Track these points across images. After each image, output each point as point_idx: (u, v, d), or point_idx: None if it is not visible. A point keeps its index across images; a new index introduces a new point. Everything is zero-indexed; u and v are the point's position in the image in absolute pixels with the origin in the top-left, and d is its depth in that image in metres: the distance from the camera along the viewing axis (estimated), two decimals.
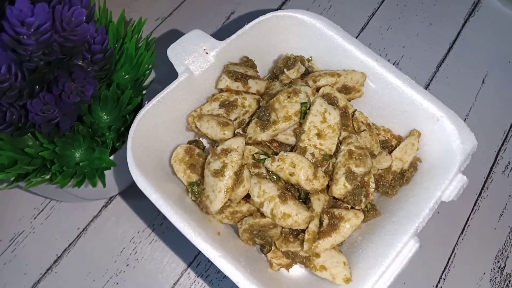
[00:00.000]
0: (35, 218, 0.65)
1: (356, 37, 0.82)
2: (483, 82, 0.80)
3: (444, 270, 0.65)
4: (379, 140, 0.48)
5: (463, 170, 0.44)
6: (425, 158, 0.47)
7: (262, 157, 0.43)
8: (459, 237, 0.68)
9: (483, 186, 0.72)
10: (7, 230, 0.64)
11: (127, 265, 0.63)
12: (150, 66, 0.51)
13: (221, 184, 0.41)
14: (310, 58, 0.52)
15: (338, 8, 0.85)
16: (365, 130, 0.45)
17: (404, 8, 0.86)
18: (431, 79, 0.79)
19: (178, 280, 0.62)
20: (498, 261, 0.66)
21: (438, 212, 0.69)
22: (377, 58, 0.47)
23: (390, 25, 0.84)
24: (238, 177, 0.41)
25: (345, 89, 0.48)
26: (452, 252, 0.66)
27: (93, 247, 0.64)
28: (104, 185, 0.48)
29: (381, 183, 0.45)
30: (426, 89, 0.78)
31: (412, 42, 0.83)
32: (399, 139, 0.48)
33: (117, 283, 0.62)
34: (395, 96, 0.47)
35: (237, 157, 0.41)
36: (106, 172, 0.51)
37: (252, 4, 0.85)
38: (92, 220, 0.66)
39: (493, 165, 0.73)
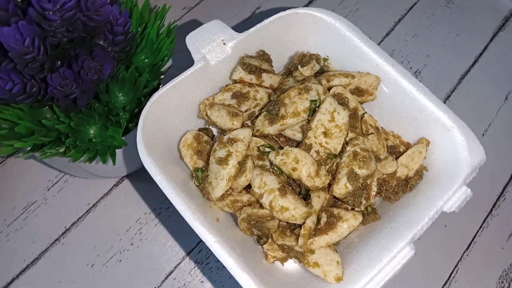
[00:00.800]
0: (48, 189, 0.68)
1: (380, 42, 0.82)
2: (506, 98, 0.78)
3: (445, 284, 0.64)
4: (387, 145, 0.48)
5: (468, 182, 0.43)
6: (432, 167, 0.47)
7: (267, 149, 0.44)
8: (464, 252, 0.67)
9: (495, 203, 0.71)
10: (21, 198, 0.67)
11: (131, 244, 0.65)
12: (169, 52, 0.52)
13: (224, 172, 0.42)
14: (327, 58, 0.52)
15: (364, 11, 0.85)
16: (373, 133, 0.45)
17: (432, 16, 0.85)
18: (452, 91, 0.78)
19: (178, 264, 0.64)
20: (502, 282, 0.65)
21: (445, 226, 0.69)
22: (393, 63, 0.47)
23: (416, 33, 0.83)
24: (241, 167, 0.42)
25: (358, 91, 0.48)
26: (455, 267, 0.66)
27: (100, 223, 0.66)
28: (114, 163, 0.49)
29: (385, 188, 0.45)
30: (446, 100, 0.78)
31: (437, 52, 0.82)
32: (408, 146, 0.48)
33: (120, 261, 0.64)
34: (407, 103, 0.47)
35: (242, 148, 0.42)
36: (117, 151, 0.52)
37: (278, 0, 0.85)
38: (102, 197, 0.68)
39: (507, 183, 0.72)
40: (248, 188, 0.43)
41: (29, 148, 0.49)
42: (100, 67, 0.43)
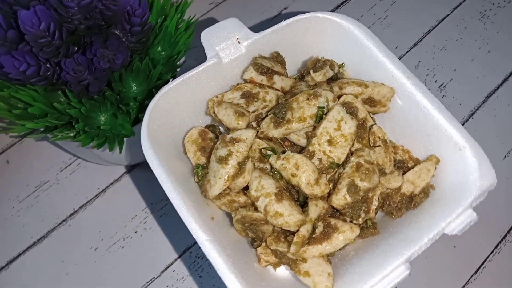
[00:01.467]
0: (61, 171, 0.69)
1: (407, 52, 0.80)
2: None
3: None
4: (395, 159, 0.47)
5: (475, 206, 0.42)
6: (439, 186, 0.45)
7: (269, 153, 0.43)
8: (472, 276, 0.65)
9: (510, 229, 0.68)
10: (35, 176, 0.69)
11: (136, 232, 0.66)
12: (185, 47, 0.52)
13: (223, 171, 0.41)
14: (343, 65, 0.51)
15: (394, 19, 0.83)
16: (380, 146, 0.44)
17: (464, 30, 0.83)
18: (477, 108, 0.76)
19: (179, 257, 0.64)
20: None
21: (455, 246, 0.67)
22: (410, 75, 0.46)
23: (445, 46, 0.81)
24: (240, 168, 0.41)
25: (371, 101, 0.47)
26: None
27: (108, 209, 0.67)
28: (121, 151, 0.50)
29: (387, 203, 0.44)
30: (469, 117, 0.75)
31: (465, 67, 0.79)
32: (417, 162, 0.47)
33: (122, 247, 0.65)
34: (420, 117, 0.45)
35: (244, 148, 0.42)
36: (127, 140, 0.53)
37: (306, 3, 0.84)
38: (112, 183, 0.69)
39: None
40: (246, 189, 0.43)
41: (42, 129, 0.51)
42: (113, 56, 0.44)
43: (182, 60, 0.55)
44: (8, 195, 0.67)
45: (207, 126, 0.49)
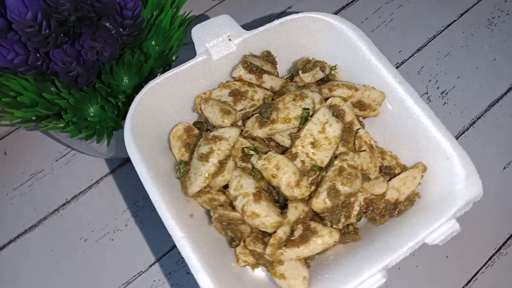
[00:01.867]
0: (56, 160, 0.70)
1: (410, 57, 0.79)
2: None
3: None
4: (383, 165, 0.46)
5: (458, 216, 0.41)
6: (425, 195, 0.44)
7: (251, 152, 0.43)
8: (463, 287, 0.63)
9: (505, 242, 0.67)
10: (30, 165, 0.69)
11: (126, 225, 0.66)
12: (178, 42, 0.52)
13: (203, 169, 0.41)
14: (335, 67, 0.50)
15: (399, 23, 0.82)
16: (365, 150, 0.43)
17: (470, 37, 0.81)
18: (479, 117, 0.74)
19: (167, 253, 0.64)
20: None
21: (447, 256, 0.65)
22: (401, 80, 0.45)
23: (450, 52, 0.80)
24: (221, 166, 0.41)
25: (360, 105, 0.46)
26: None
27: (100, 200, 0.67)
28: (108, 144, 0.50)
29: (371, 209, 0.43)
30: (470, 126, 0.74)
31: (469, 74, 0.78)
32: (404, 169, 0.46)
33: (112, 239, 0.65)
34: (410, 124, 0.44)
35: (226, 147, 0.42)
36: (116, 133, 0.53)
37: (310, 3, 0.83)
38: (105, 176, 0.69)
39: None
40: (226, 188, 0.43)
41: (34, 118, 0.51)
42: (101, 48, 0.44)
43: (177, 55, 0.54)
44: (3, 182, 0.68)
45: (195, 123, 0.49)
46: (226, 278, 0.38)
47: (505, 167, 0.71)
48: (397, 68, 0.78)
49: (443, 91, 0.76)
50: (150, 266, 0.64)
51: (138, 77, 0.51)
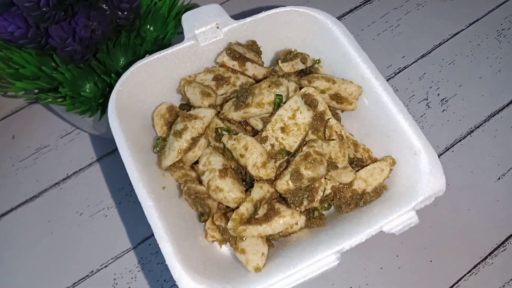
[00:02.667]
0: (61, 137, 0.74)
1: (413, 62, 0.79)
2: None
3: None
4: (355, 157, 0.47)
5: (418, 209, 0.41)
6: (392, 187, 0.45)
7: (224, 133, 0.45)
8: None
9: (492, 252, 0.66)
10: (36, 140, 0.74)
11: (120, 203, 0.69)
12: (174, 29, 0.55)
13: (177, 144, 0.44)
14: (319, 61, 0.52)
15: (405, 29, 0.83)
16: (334, 140, 0.45)
17: (477, 47, 0.81)
18: (477, 127, 0.74)
19: None
20: None
21: (431, 261, 0.65)
22: (378, 76, 0.46)
23: (454, 60, 0.80)
24: (194, 143, 0.43)
25: (337, 98, 0.47)
26: None
27: (98, 178, 0.71)
28: (100, 119, 0.53)
29: (338, 197, 0.45)
30: (468, 135, 0.74)
31: (471, 83, 0.77)
32: (375, 161, 0.47)
33: (106, 216, 0.68)
34: (382, 118, 0.45)
35: (200, 125, 0.44)
36: None
37: (318, 4, 0.85)
38: (105, 155, 0.73)
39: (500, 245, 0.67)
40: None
41: (36, 91, 0.55)
42: (94, 27, 0.47)
43: (171, 42, 0.57)
44: (11, 154, 0.73)
45: (181, 106, 0.52)
46: (189, 248, 0.41)
47: (499, 178, 0.70)
48: (399, 72, 0.79)
49: (443, 98, 0.77)
50: (139, 244, 0.67)
51: (133, 58, 0.54)
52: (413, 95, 0.77)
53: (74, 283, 0.63)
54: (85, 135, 0.74)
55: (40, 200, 0.69)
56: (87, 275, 0.64)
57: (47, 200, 0.69)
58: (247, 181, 0.44)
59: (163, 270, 0.65)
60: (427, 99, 0.77)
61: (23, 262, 0.64)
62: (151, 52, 0.54)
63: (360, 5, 0.86)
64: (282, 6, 0.51)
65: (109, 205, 0.69)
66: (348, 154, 0.46)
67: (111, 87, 0.53)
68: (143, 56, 0.53)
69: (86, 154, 0.73)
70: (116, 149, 0.72)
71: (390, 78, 0.78)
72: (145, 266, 0.65)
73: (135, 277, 0.65)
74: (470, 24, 0.83)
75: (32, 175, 0.71)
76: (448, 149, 0.72)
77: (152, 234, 0.66)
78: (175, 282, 0.38)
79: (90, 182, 0.71)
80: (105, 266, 0.65)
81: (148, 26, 0.56)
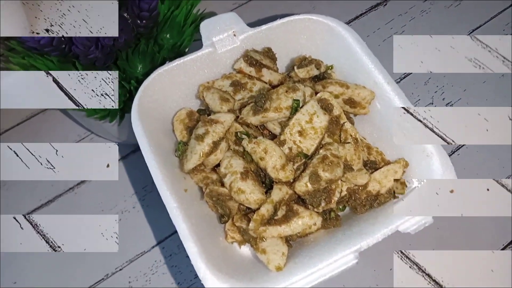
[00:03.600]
0: (76, 142, 0.75)
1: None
2: None
3: None
4: (369, 160, 0.49)
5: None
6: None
7: (243, 136, 0.47)
8: None
9: None
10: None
11: (134, 207, 0.71)
12: (190, 37, 0.57)
13: (199, 148, 0.45)
14: (331, 67, 0.54)
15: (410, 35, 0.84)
16: (350, 143, 0.46)
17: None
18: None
19: (170, 236, 0.68)
20: None
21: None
22: (390, 81, 0.48)
23: None
24: (215, 146, 0.45)
25: (351, 102, 0.49)
26: None
27: (111, 183, 0.72)
28: (119, 124, 0.55)
29: (353, 198, 0.46)
30: None
31: (476, 89, 0.79)
32: (388, 164, 0.49)
33: (120, 220, 0.70)
34: None
35: (220, 129, 0.46)
36: (128, 119, 0.57)
37: (329, 9, 0.87)
38: (119, 160, 0.74)
39: (510, 243, 0.68)
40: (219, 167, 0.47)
41: None
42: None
43: (187, 49, 0.59)
44: None
45: (199, 111, 0.53)
46: (212, 248, 0.42)
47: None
48: (404, 77, 0.81)
49: (449, 103, 0.78)
50: (153, 247, 0.68)
51: (151, 65, 0.55)
52: (419, 99, 0.78)
53: (91, 286, 0.65)
54: (98, 140, 0.75)
55: (55, 204, 0.71)
56: (102, 278, 0.66)
57: (61, 205, 0.71)
58: (266, 183, 0.46)
59: (177, 273, 0.66)
60: (432, 103, 0.78)
61: (38, 266, 0.66)
62: (168, 59, 0.56)
63: (365, 12, 0.88)
64: (296, 14, 0.52)
65: (122, 209, 0.71)
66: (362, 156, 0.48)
67: (130, 93, 0.55)
68: (161, 63, 0.55)
69: (99, 160, 0.74)
70: (129, 154, 0.74)
71: (396, 83, 0.79)
72: (159, 269, 0.66)
73: (150, 280, 0.66)
74: (473, 30, 0.85)
75: (48, 180, 0.72)
76: (454, 152, 0.73)
77: (166, 238, 0.68)
78: (189, 284, 0.39)
79: (103, 187, 0.72)
80: (120, 269, 0.66)
81: (165, 34, 0.57)
